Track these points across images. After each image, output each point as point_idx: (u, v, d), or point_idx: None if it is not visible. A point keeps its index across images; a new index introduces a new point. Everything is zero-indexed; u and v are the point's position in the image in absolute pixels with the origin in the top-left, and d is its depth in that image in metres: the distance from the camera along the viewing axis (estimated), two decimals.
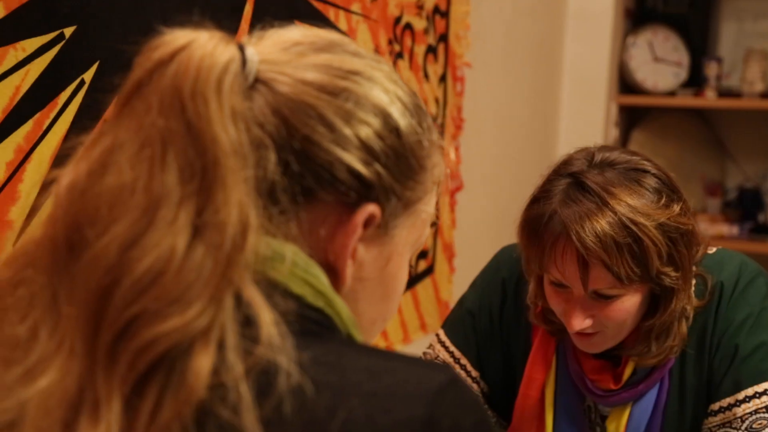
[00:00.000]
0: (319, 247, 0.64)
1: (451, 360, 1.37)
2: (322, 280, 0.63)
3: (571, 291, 1.15)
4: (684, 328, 1.21)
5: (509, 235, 1.47)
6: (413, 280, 2.03)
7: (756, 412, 1.18)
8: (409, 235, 0.69)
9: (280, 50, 0.65)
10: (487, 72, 2.36)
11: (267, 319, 0.57)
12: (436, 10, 2.02)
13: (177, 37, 0.60)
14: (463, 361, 1.37)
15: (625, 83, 3.22)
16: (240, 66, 0.61)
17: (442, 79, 2.09)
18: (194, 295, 0.56)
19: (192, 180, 0.57)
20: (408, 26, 1.88)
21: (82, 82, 1.03)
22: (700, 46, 3.23)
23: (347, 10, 1.63)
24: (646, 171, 1.14)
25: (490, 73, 2.40)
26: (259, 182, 0.60)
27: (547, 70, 2.93)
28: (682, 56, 3.19)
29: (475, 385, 1.37)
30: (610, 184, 1.11)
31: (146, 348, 0.55)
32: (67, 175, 0.60)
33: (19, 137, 0.96)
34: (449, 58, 2.12)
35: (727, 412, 1.20)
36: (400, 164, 0.66)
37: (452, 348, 1.38)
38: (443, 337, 1.40)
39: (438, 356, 1.38)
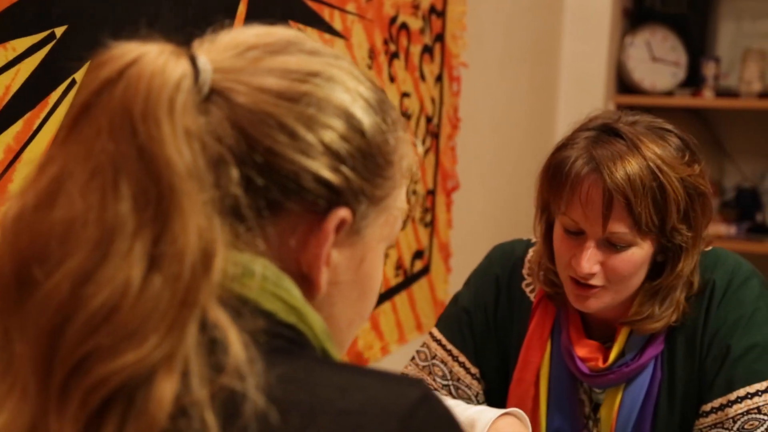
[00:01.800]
0: (290, 258, 0.63)
1: (449, 358, 1.37)
2: (294, 293, 0.62)
3: (583, 239, 1.17)
4: (683, 297, 1.22)
5: (506, 235, 1.48)
6: (409, 280, 2.03)
7: (748, 413, 1.18)
8: (381, 231, 0.68)
9: (234, 56, 0.62)
10: (484, 72, 2.36)
11: (235, 342, 0.55)
12: (433, 10, 2.02)
13: (125, 52, 0.57)
14: (462, 358, 1.37)
15: (623, 83, 3.22)
16: (192, 81, 0.58)
17: (439, 79, 2.09)
18: (151, 328, 0.54)
19: (147, 207, 0.55)
20: (404, 26, 1.88)
21: (74, 82, 1.03)
22: (698, 45, 3.23)
23: (342, 10, 1.63)
24: (670, 130, 1.20)
25: (488, 73, 2.40)
26: (221, 201, 0.58)
27: (544, 70, 2.93)
28: (680, 56, 3.19)
29: (475, 382, 1.37)
30: (640, 134, 1.16)
31: (98, 385, 0.53)
32: (14, 207, 0.57)
33: (8, 137, 0.96)
34: (446, 58, 2.12)
35: (719, 413, 1.20)
36: (367, 163, 0.64)
37: (449, 346, 1.38)
38: (438, 335, 1.39)
39: (435, 354, 1.38)
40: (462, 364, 1.36)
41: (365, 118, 0.64)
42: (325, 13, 1.57)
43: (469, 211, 2.31)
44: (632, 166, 1.13)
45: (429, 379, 1.38)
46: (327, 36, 1.58)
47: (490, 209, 2.43)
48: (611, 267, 1.17)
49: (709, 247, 1.28)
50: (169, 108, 0.56)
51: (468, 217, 2.31)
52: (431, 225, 2.13)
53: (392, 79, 1.85)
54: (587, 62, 3.04)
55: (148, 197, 0.55)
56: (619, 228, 1.14)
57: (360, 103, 0.64)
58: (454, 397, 1.36)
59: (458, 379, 1.36)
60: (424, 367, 1.39)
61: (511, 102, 2.61)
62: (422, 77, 2.00)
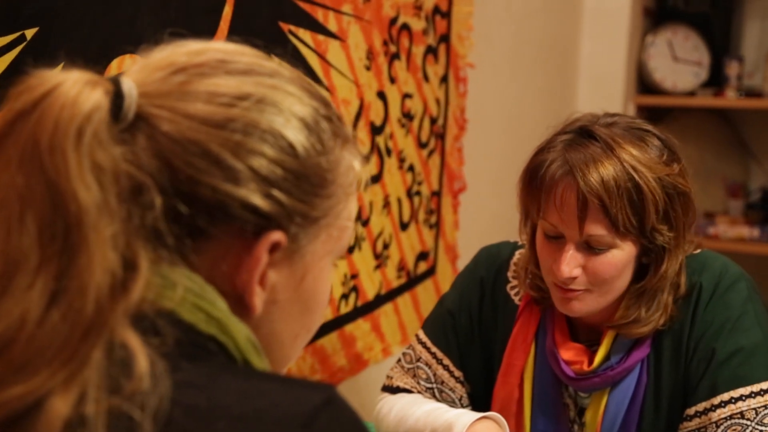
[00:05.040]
0: (224, 281, 0.62)
1: (433, 361, 1.37)
2: (219, 305, 0.61)
3: (563, 243, 1.16)
4: (670, 300, 1.21)
5: (515, 236, 1.46)
6: (412, 282, 2.02)
7: (731, 417, 1.15)
8: (324, 247, 0.67)
9: (162, 79, 0.61)
10: (493, 72, 2.35)
11: (141, 363, 0.55)
12: (437, 10, 2.01)
13: (43, 81, 0.57)
14: (446, 361, 1.36)
15: (644, 83, 3.18)
16: (108, 111, 0.58)
17: (444, 79, 2.08)
18: (44, 362, 0.53)
19: (53, 242, 0.54)
20: (405, 27, 1.87)
21: None
22: (721, 45, 3.17)
23: (337, 11, 1.62)
24: (649, 131, 1.18)
25: (497, 73, 2.38)
26: (143, 228, 0.58)
27: (561, 70, 2.90)
28: (703, 56, 3.14)
29: (459, 386, 1.36)
30: (617, 136, 1.15)
31: None
32: None
33: None
34: (451, 58, 2.11)
35: (702, 417, 1.18)
36: (301, 185, 0.63)
37: (434, 349, 1.37)
38: (424, 338, 1.39)
39: (420, 357, 1.38)
40: (446, 367, 1.35)
41: (298, 140, 0.63)
42: (319, 14, 1.57)
43: (477, 212, 2.29)
44: (606, 168, 1.11)
45: (413, 382, 1.37)
46: (321, 37, 1.58)
47: (499, 211, 2.41)
48: (592, 270, 1.16)
49: (698, 250, 1.26)
50: (76, 141, 0.55)
51: (476, 218, 2.29)
52: (437, 226, 2.12)
53: (393, 80, 1.84)
54: (606, 62, 3.01)
55: (55, 231, 0.55)
56: (597, 230, 1.13)
57: (293, 124, 0.63)
58: (438, 400, 1.35)
59: (442, 382, 1.36)
60: (408, 369, 1.38)
61: (524, 103, 2.58)
62: (426, 78, 1.99)
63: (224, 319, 0.61)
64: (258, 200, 0.61)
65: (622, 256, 1.15)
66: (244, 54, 0.65)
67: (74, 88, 0.57)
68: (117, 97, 0.59)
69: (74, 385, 0.53)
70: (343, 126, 0.69)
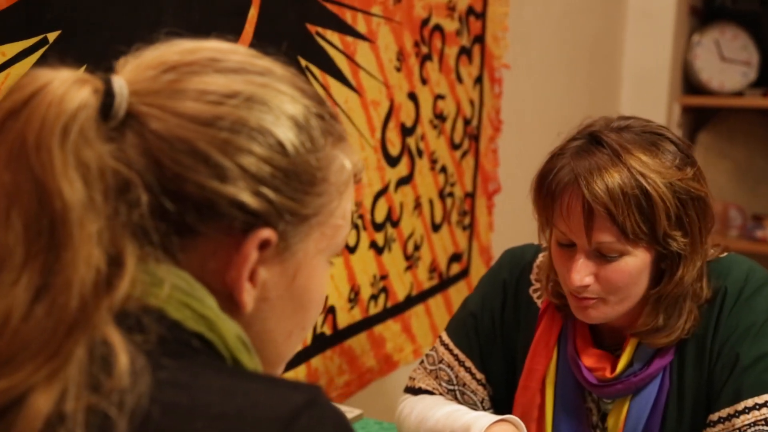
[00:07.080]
0: (214, 278, 0.62)
1: (455, 363, 1.36)
2: (207, 303, 0.61)
3: (575, 251, 1.15)
4: (695, 307, 1.18)
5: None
6: (445, 283, 2.01)
7: (755, 424, 1.13)
8: (317, 245, 0.66)
9: (153, 78, 0.61)
10: (530, 73, 2.33)
11: (122, 361, 0.55)
12: (471, 11, 2.00)
13: (33, 80, 0.58)
14: (468, 363, 1.35)
15: (690, 83, 3.13)
16: (95, 109, 0.58)
17: (478, 80, 2.07)
18: (28, 357, 0.54)
19: (39, 238, 0.55)
20: (437, 28, 1.87)
21: None
22: None
23: (366, 13, 1.63)
24: (662, 135, 1.16)
25: (534, 74, 2.36)
26: (130, 224, 0.58)
27: (604, 70, 2.87)
28: (752, 55, 3.07)
29: (481, 388, 1.35)
30: (627, 142, 1.12)
31: None
32: None
33: None
34: (486, 59, 2.10)
35: (726, 423, 1.15)
36: (291, 183, 0.63)
37: (456, 351, 1.37)
38: (446, 340, 1.38)
39: (442, 359, 1.37)
40: (468, 370, 1.35)
41: (287, 138, 0.62)
42: (347, 15, 1.57)
43: (512, 214, 2.28)
44: (611, 176, 1.09)
45: (435, 383, 1.37)
46: (349, 39, 1.58)
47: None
48: (605, 278, 1.14)
49: (724, 254, 1.23)
50: (61, 138, 0.56)
51: (512, 220, 2.28)
52: (470, 228, 2.11)
53: (424, 81, 1.84)
54: (650, 62, 2.96)
55: (40, 228, 0.55)
56: (606, 238, 1.11)
57: (282, 122, 0.63)
58: (460, 402, 1.35)
59: (464, 384, 1.35)
60: (431, 371, 1.38)
61: (562, 103, 2.56)
62: (459, 79, 1.98)
63: (213, 317, 0.61)
64: (246, 197, 0.61)
65: (635, 262, 1.13)
66: (236, 53, 0.66)
67: (62, 86, 0.57)
68: (107, 95, 0.60)
69: (57, 381, 0.54)
70: (337, 124, 0.68)
